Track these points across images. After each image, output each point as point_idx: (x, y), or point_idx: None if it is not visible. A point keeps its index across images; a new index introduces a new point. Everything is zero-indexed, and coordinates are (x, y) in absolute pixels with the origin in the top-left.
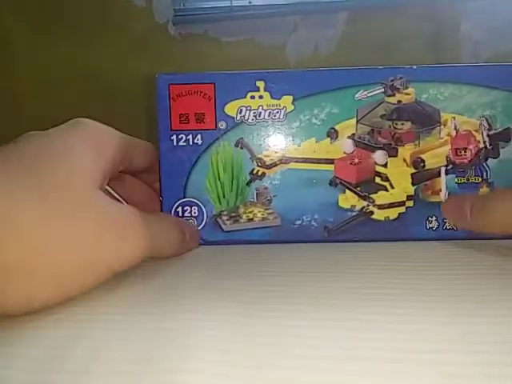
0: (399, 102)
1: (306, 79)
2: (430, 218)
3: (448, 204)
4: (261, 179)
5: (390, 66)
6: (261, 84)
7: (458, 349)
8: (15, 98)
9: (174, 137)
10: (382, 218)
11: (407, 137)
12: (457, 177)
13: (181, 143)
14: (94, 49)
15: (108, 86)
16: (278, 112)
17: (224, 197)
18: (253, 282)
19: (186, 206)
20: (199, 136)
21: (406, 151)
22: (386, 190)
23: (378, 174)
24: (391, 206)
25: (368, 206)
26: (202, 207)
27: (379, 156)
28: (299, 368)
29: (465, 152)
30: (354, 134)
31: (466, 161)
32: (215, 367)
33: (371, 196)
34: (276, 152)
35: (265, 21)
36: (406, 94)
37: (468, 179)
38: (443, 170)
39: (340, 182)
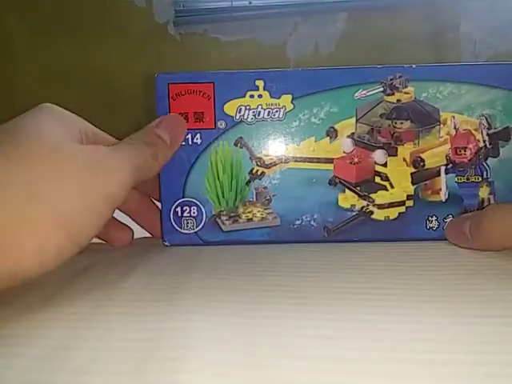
0: (398, 101)
1: (305, 78)
2: (430, 218)
3: (449, 227)
4: (260, 179)
5: (389, 65)
6: (260, 83)
7: (458, 349)
8: (15, 97)
9: None
10: (382, 218)
11: (407, 136)
12: (457, 176)
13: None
14: (94, 49)
15: (108, 85)
16: (277, 111)
17: (223, 196)
18: (252, 282)
19: (185, 205)
20: (198, 135)
21: (405, 150)
22: (386, 189)
23: (378, 173)
24: (391, 205)
25: (368, 205)
26: (201, 207)
27: (379, 155)
28: (299, 368)
29: (464, 151)
30: (353, 134)
31: (465, 160)
32: (215, 367)
33: (371, 196)
34: (275, 151)
35: (265, 21)
36: (406, 93)
37: (468, 178)
38: (443, 169)
39: (339, 182)
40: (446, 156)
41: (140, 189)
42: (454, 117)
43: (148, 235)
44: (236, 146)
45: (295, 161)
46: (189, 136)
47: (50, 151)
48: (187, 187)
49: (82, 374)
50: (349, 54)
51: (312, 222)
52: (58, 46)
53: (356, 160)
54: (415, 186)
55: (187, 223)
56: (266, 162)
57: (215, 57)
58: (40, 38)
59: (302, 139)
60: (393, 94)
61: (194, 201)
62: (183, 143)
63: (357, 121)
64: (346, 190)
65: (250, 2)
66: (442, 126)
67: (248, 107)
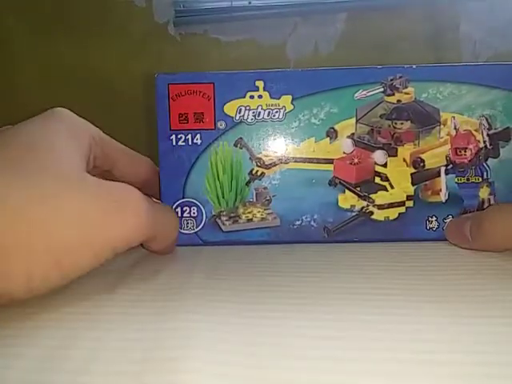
0: (399, 101)
1: (305, 79)
2: (429, 218)
3: (449, 227)
4: (260, 179)
5: (389, 66)
6: (260, 84)
7: (458, 349)
8: (15, 97)
9: (173, 136)
10: (382, 218)
11: (407, 136)
12: (457, 176)
13: (180, 143)
14: (94, 49)
15: (108, 85)
16: (277, 112)
17: (223, 197)
18: (252, 282)
19: (185, 206)
20: (198, 136)
21: (405, 151)
22: (386, 189)
23: (378, 173)
24: (391, 206)
25: (368, 206)
26: (201, 207)
27: (379, 156)
28: (299, 368)
29: (465, 152)
30: (353, 134)
31: (465, 160)
32: (215, 367)
33: (371, 196)
34: (275, 152)
35: (265, 21)
36: (406, 93)
37: (468, 179)
38: (443, 169)
39: (339, 182)
40: (446, 156)
41: (141, 190)
42: (454, 117)
43: None
44: (236, 146)
45: (295, 161)
46: (189, 136)
47: (58, 177)
48: (187, 187)
49: (82, 374)
50: (349, 55)
51: (312, 223)
52: (58, 45)
53: (356, 160)
54: (415, 186)
55: (187, 223)
56: (266, 163)
57: (215, 57)
58: (40, 38)
59: (302, 140)
60: (393, 94)
61: (194, 201)
62: (183, 143)
63: (357, 121)
64: (346, 191)
65: (250, 2)
66: (442, 126)
67: (248, 108)
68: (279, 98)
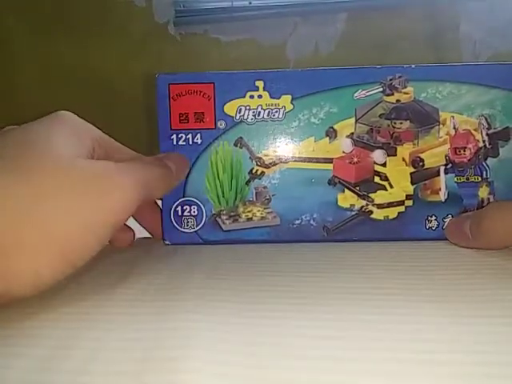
0: (398, 101)
1: (304, 79)
2: (429, 218)
3: (449, 226)
4: (260, 178)
5: (388, 66)
6: (260, 83)
7: (458, 349)
8: (15, 97)
9: (174, 136)
10: (382, 218)
11: (406, 136)
12: (456, 176)
13: (180, 142)
14: (94, 49)
15: (108, 85)
16: (277, 111)
17: (223, 196)
18: (252, 282)
19: (186, 205)
20: (199, 135)
21: (405, 150)
22: (385, 189)
23: (377, 173)
24: (390, 205)
25: (367, 205)
26: (202, 206)
27: (378, 155)
28: (299, 368)
29: (464, 151)
30: (352, 134)
31: (465, 160)
32: (215, 367)
33: (370, 195)
34: (275, 151)
35: (265, 21)
36: (405, 93)
37: (467, 178)
38: (442, 169)
39: (339, 182)
40: (446, 156)
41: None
42: (453, 117)
43: (148, 235)
44: (236, 145)
45: (295, 161)
46: (189, 136)
47: (53, 167)
48: (187, 187)
49: (82, 374)
50: (348, 54)
51: (311, 222)
52: (58, 45)
53: (355, 160)
54: (414, 185)
55: (187, 222)
56: (266, 162)
57: (215, 57)
58: (40, 38)
59: (302, 139)
60: (392, 94)
61: (195, 200)
62: (184, 143)
63: (356, 121)
64: (346, 190)
65: (250, 2)
66: (441, 126)
67: (248, 107)
68: (279, 98)
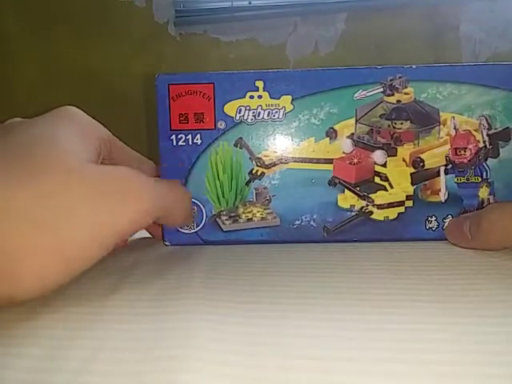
0: (398, 101)
1: (304, 79)
2: (429, 218)
3: (449, 226)
4: (260, 179)
5: (388, 66)
6: (260, 84)
7: (458, 349)
8: (15, 97)
9: (174, 137)
10: (382, 218)
11: (406, 136)
12: (456, 176)
13: (180, 143)
14: (93, 49)
15: (108, 85)
16: (277, 112)
17: (223, 197)
18: (252, 282)
19: None
20: (198, 136)
21: (405, 151)
22: (386, 189)
23: (378, 173)
24: (390, 205)
25: (367, 205)
26: (202, 207)
27: (378, 156)
28: (299, 368)
29: (464, 151)
30: (353, 134)
31: (465, 160)
32: (215, 367)
33: (370, 196)
34: (275, 152)
35: (265, 21)
36: (405, 93)
37: (468, 179)
38: (443, 169)
39: (339, 182)
40: (446, 156)
41: None
42: (453, 117)
43: (148, 235)
44: (236, 146)
45: (295, 161)
46: (189, 136)
47: (62, 171)
48: (187, 187)
49: (82, 373)
50: (349, 54)
51: (311, 222)
52: (58, 46)
53: (355, 160)
54: (415, 186)
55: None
56: (266, 163)
57: (215, 57)
58: (40, 38)
59: (302, 140)
60: (392, 94)
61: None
62: (183, 143)
63: (356, 121)
64: (346, 191)
65: (250, 2)
66: (441, 126)
67: (248, 108)
68: (279, 98)
